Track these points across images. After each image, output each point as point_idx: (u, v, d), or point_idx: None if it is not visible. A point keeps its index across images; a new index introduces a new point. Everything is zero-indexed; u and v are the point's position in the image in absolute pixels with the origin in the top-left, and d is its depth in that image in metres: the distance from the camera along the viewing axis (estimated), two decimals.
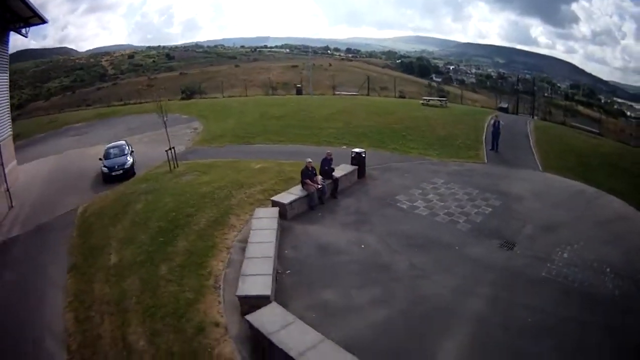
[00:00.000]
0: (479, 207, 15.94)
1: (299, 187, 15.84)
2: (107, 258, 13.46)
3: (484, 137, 26.23)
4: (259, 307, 9.50)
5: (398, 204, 16.21)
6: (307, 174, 15.64)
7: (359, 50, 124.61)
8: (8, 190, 19.79)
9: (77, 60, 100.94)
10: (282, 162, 20.75)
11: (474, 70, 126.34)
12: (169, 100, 40.83)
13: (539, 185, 18.39)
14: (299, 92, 46.39)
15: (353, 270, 11.89)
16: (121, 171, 21.86)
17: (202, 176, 19.38)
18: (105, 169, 21.99)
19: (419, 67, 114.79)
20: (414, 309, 10.37)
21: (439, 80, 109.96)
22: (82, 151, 28.67)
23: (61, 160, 27.44)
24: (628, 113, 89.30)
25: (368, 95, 44.25)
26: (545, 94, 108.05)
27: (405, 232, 14.08)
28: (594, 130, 32.47)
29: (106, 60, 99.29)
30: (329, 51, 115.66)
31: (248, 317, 9.23)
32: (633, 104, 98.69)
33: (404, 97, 43.14)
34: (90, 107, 53.67)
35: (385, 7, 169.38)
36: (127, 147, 23.97)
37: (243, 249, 12.31)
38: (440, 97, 36.80)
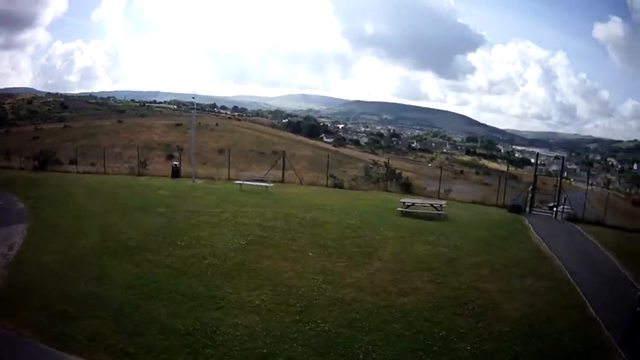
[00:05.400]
0: None
1: None
2: None
3: (588, 303, 12.64)
4: None
5: None
6: None
7: (246, 109, 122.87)
8: None
9: None
10: None
11: (362, 129, 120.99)
12: (21, 169, 31.86)
13: None
14: (175, 173, 29.24)
15: None
16: None
17: None
18: None
19: (307, 127, 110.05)
20: None
21: (330, 140, 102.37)
22: None
23: None
24: (532, 160, 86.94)
25: (282, 180, 28.71)
26: (444, 150, 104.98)
27: None
28: None
29: (8, 103, 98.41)
30: (215, 109, 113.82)
31: None
32: (534, 149, 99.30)
33: (341, 187, 28.24)
34: None
35: (273, 64, 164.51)
36: None
37: None
38: (431, 202, 21.76)
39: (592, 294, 12.88)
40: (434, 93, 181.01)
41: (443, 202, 21.28)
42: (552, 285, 13.40)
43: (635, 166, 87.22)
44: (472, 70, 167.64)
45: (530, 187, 24.16)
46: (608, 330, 11.11)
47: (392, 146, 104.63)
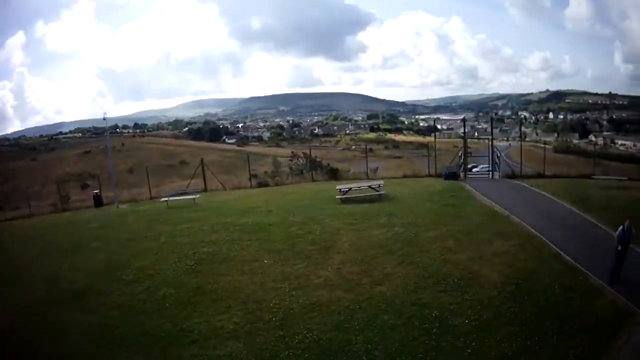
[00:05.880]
0: None
1: None
2: None
3: (562, 252, 12.90)
4: None
5: None
6: None
7: (146, 124, 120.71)
8: None
9: None
10: None
11: (262, 124, 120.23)
12: None
13: None
14: (97, 201, 26.06)
15: None
16: None
17: None
18: None
19: (208, 132, 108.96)
20: None
21: (233, 141, 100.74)
22: None
23: None
24: (439, 126, 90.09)
25: (205, 189, 26.87)
26: (347, 131, 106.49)
27: None
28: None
29: None
30: (117, 129, 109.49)
31: None
32: (440, 116, 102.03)
33: (267, 185, 27.02)
34: None
35: (166, 75, 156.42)
36: None
37: None
38: (367, 184, 21.21)
39: (563, 242, 13.20)
40: (328, 77, 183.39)
41: (380, 182, 20.96)
42: (522, 242, 13.52)
43: (551, 115, 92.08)
44: (363, 49, 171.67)
45: (461, 153, 24.61)
46: (592, 273, 11.36)
47: (295, 136, 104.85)
